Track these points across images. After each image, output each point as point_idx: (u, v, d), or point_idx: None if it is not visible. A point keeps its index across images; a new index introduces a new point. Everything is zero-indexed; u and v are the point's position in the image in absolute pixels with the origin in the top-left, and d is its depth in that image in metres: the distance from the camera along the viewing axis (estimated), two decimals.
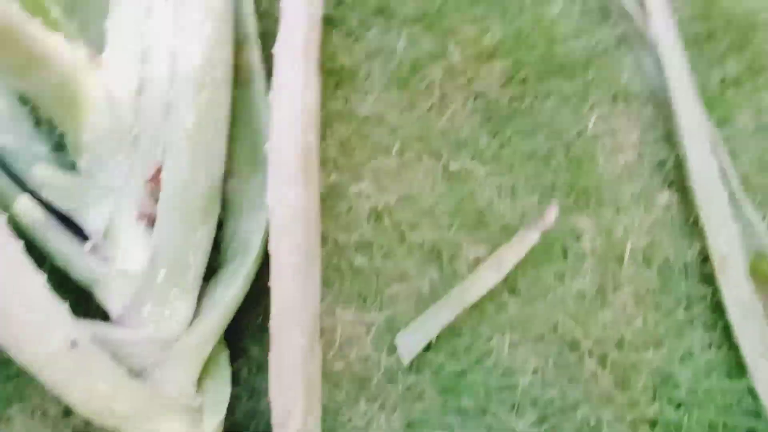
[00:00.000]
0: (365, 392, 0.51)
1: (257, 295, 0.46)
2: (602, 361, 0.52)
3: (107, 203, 0.43)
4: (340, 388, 0.50)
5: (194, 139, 0.41)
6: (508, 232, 0.54)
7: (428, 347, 0.52)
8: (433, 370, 0.52)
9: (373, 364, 0.51)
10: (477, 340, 0.53)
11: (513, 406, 0.51)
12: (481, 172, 0.55)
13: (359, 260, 0.53)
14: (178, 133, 0.41)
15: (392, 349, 0.52)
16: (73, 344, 0.37)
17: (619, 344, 0.52)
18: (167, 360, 0.41)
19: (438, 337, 0.52)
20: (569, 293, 0.53)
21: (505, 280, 0.53)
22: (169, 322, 0.42)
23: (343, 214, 0.53)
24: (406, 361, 0.52)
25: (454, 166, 0.55)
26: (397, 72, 0.55)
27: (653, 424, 0.50)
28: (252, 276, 0.45)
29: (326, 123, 0.53)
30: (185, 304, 0.43)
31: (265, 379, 0.47)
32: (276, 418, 0.42)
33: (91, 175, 0.44)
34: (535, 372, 0.52)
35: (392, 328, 0.52)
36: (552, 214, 0.52)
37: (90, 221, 0.44)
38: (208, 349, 0.43)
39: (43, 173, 0.45)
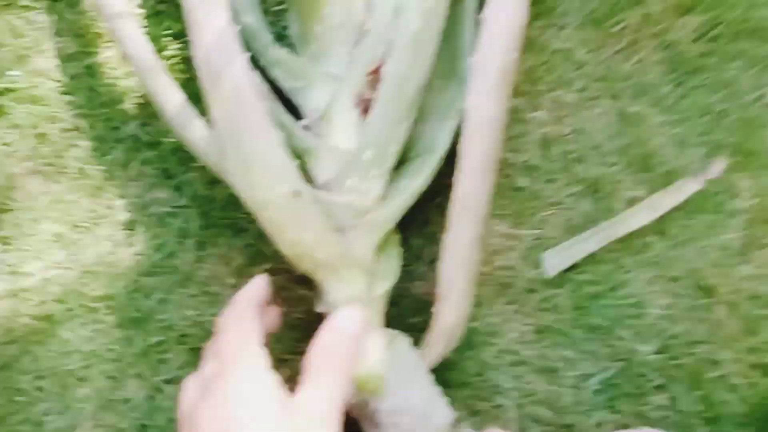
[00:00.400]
0: (505, 296, 0.57)
1: (425, 194, 0.52)
2: (733, 309, 0.55)
3: (327, 88, 0.50)
4: (484, 286, 0.57)
5: (416, 42, 0.47)
6: (670, 179, 0.57)
7: (570, 268, 0.57)
8: (571, 288, 0.57)
9: (517, 273, 0.57)
10: (617, 270, 0.57)
11: (638, 333, 0.56)
12: (656, 119, 0.58)
13: (522, 181, 0.58)
14: (404, 34, 0.47)
15: (536, 265, 0.57)
16: (296, 195, 0.44)
17: (753, 298, 0.55)
18: (358, 227, 0.48)
19: (581, 261, 0.57)
20: (714, 244, 0.57)
21: (656, 221, 0.56)
22: (365, 196, 0.49)
23: (516, 137, 0.58)
24: (549, 274, 0.57)
25: (631, 110, 0.58)
26: (594, 12, 0.59)
27: None
28: (434, 173, 0.51)
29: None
30: (378, 185, 0.50)
31: (420, 266, 0.55)
32: (440, 289, 0.49)
33: (316, 62, 0.51)
34: (665, 308, 0.57)
35: (539, 246, 0.57)
36: (718, 167, 0.54)
37: (310, 102, 0.51)
38: (389, 226, 0.50)
39: (278, 53, 0.52)
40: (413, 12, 0.47)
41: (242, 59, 0.44)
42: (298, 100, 0.53)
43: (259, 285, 0.45)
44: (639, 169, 0.58)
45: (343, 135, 0.50)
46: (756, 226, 0.56)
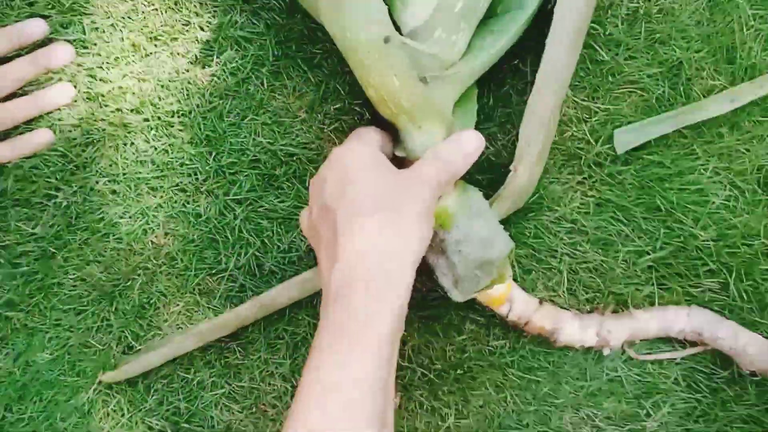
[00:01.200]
0: (571, 166, 0.57)
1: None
2: None
3: None
4: (552, 153, 0.57)
5: None
6: (751, 73, 0.56)
7: (639, 147, 0.57)
8: (637, 167, 0.57)
9: (586, 145, 0.57)
10: (686, 156, 0.57)
11: (697, 219, 0.57)
12: (747, 11, 0.57)
13: (603, 55, 0.57)
14: None
15: (606, 141, 0.57)
16: (386, 39, 0.44)
17: None
18: (441, 78, 0.48)
19: (652, 142, 0.57)
20: None
21: (731, 113, 0.56)
22: (452, 48, 0.48)
23: (603, 9, 0.56)
24: (618, 151, 0.57)
25: None
26: None
27: None
28: (521, 32, 0.51)
29: None
30: (464, 39, 0.49)
31: (492, 126, 0.56)
32: (519, 148, 0.50)
33: None
34: (726, 199, 0.57)
35: (611, 122, 0.57)
36: None
37: None
38: (471, 81, 0.50)
39: None
40: None
41: None
42: None
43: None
44: (722, 60, 0.57)
45: None
46: None
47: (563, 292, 0.58)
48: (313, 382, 0.40)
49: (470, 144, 0.47)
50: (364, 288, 0.41)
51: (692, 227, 0.57)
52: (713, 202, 0.56)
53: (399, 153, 0.50)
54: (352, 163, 0.46)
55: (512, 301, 0.53)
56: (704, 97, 0.56)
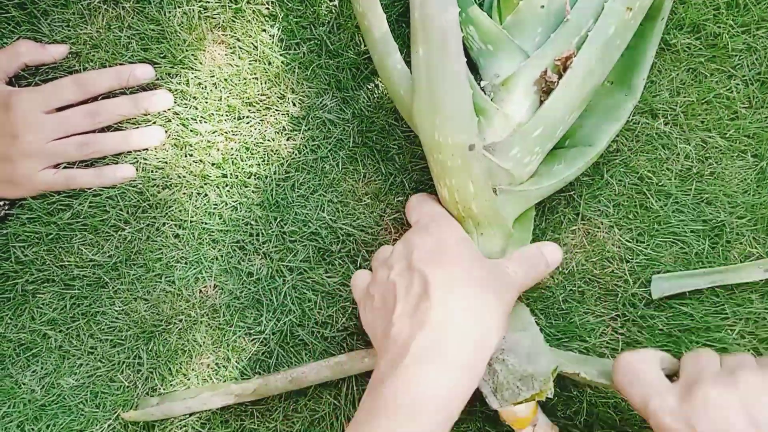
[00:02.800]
0: (606, 300, 0.60)
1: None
2: None
3: (515, 60, 0.53)
4: (591, 285, 0.60)
5: (608, 46, 0.50)
6: None
7: (673, 296, 0.59)
8: (668, 315, 0.59)
9: (623, 284, 0.60)
10: (716, 314, 0.59)
11: None
12: None
13: (652, 203, 0.60)
14: (600, 35, 0.50)
15: (643, 284, 0.60)
16: (471, 147, 0.47)
17: None
18: (509, 194, 0.51)
19: (686, 293, 0.60)
20: None
21: (764, 281, 0.59)
22: (524, 168, 0.52)
23: (659, 160, 0.60)
24: (654, 296, 0.60)
25: None
26: (764, 75, 0.62)
27: None
28: (588, 166, 0.54)
29: None
30: (536, 161, 0.53)
31: None
32: None
33: (510, 34, 0.54)
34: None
35: (650, 267, 0.60)
36: None
37: (494, 67, 0.54)
38: (534, 201, 0.54)
39: (478, 14, 0.54)
40: (612, 18, 0.50)
41: (455, 10, 0.46)
42: (483, 62, 0.55)
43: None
44: (762, 230, 0.60)
45: (518, 107, 0.52)
46: None
47: (579, 422, 0.59)
48: None
49: (553, 255, 0.50)
50: (449, 365, 0.40)
51: None
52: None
53: None
54: (450, 236, 0.47)
55: (535, 425, 0.54)
56: (741, 261, 0.60)
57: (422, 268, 0.43)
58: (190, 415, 0.58)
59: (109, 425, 0.58)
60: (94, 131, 0.58)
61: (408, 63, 0.50)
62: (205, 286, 0.58)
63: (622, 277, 0.60)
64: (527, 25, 0.53)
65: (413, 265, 0.44)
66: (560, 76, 0.51)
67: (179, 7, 0.58)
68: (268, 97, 0.59)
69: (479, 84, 0.53)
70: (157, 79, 0.59)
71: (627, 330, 0.59)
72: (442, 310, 0.41)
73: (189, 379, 0.59)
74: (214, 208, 0.58)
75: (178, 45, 0.58)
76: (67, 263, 0.59)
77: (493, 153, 0.51)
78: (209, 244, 0.58)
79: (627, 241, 0.60)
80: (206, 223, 0.58)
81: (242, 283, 0.58)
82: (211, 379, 0.59)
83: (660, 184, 0.60)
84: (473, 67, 0.55)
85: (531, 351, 0.50)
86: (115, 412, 0.59)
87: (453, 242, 0.46)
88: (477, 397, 0.51)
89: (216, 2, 0.59)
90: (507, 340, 0.50)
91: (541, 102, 0.52)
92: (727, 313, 0.59)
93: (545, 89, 0.52)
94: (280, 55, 0.59)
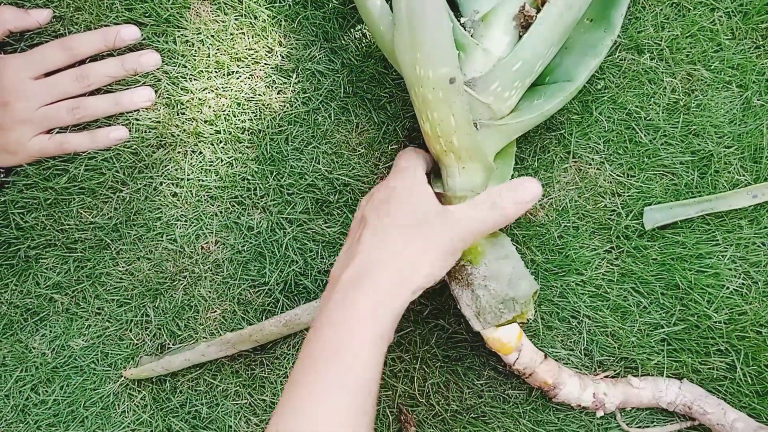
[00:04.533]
0: (601, 234, 0.61)
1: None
2: None
3: None
4: (585, 220, 0.61)
5: None
6: None
7: (665, 226, 0.61)
8: (661, 245, 0.61)
9: (617, 217, 0.61)
10: (707, 241, 0.61)
11: (711, 302, 0.60)
12: None
13: (641, 137, 0.61)
14: None
15: (635, 216, 0.61)
16: (452, 81, 0.47)
17: None
18: (490, 128, 0.52)
19: (678, 223, 0.61)
20: None
21: (752, 208, 0.60)
22: (504, 102, 0.52)
23: (646, 95, 0.61)
24: (647, 227, 0.61)
25: (756, 102, 0.61)
26: (747, 5, 0.61)
27: None
28: (566, 102, 0.55)
29: None
30: (516, 96, 0.53)
31: None
32: None
33: None
34: (740, 286, 0.61)
35: (642, 199, 0.61)
36: None
37: (473, 3, 0.54)
38: (515, 135, 0.54)
39: None
40: None
41: None
42: (463, 1, 0.55)
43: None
44: (749, 158, 0.61)
45: (497, 42, 0.53)
46: None
47: (580, 351, 0.60)
48: (305, 374, 0.43)
49: (529, 192, 0.48)
50: (375, 283, 0.44)
51: (706, 308, 0.60)
52: (727, 288, 0.60)
53: (437, 189, 0.53)
54: (401, 182, 0.49)
55: (520, 351, 0.56)
56: (729, 189, 0.61)
57: (366, 214, 0.48)
58: (203, 366, 0.59)
59: (121, 382, 0.60)
60: (84, 95, 0.57)
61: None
62: (206, 243, 0.59)
63: (614, 210, 0.61)
64: None
65: (363, 214, 0.48)
66: (538, 11, 0.51)
67: None
68: (256, 52, 0.59)
69: (459, 20, 0.53)
70: (144, 39, 0.59)
71: (621, 261, 0.61)
72: (366, 247, 0.45)
73: (197, 333, 0.60)
74: (210, 165, 0.59)
75: (163, 3, 0.58)
76: (67, 227, 0.59)
77: (473, 88, 0.51)
78: (208, 201, 0.59)
79: (618, 175, 0.61)
80: (203, 180, 0.59)
81: (243, 238, 0.59)
82: (218, 331, 0.60)
83: (648, 118, 0.61)
84: (453, 4, 0.55)
85: (512, 277, 0.51)
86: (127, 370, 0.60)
87: (400, 189, 0.48)
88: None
89: None
90: (489, 268, 0.51)
91: (521, 37, 0.52)
92: (718, 240, 0.61)
93: (524, 24, 0.52)
94: (266, 8, 0.59)
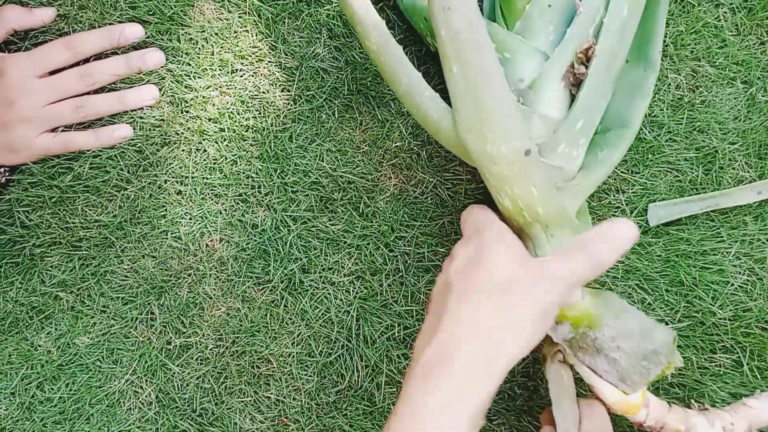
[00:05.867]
0: None
1: None
2: None
3: (535, 61, 0.53)
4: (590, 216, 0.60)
5: (624, 27, 0.50)
6: None
7: (669, 223, 0.61)
8: (666, 242, 0.61)
9: (621, 214, 0.61)
10: (711, 238, 0.61)
11: (716, 298, 0.60)
12: None
13: (646, 134, 0.61)
14: (614, 19, 0.50)
15: (639, 213, 0.61)
16: (527, 153, 0.46)
17: None
18: (565, 189, 0.51)
19: (682, 219, 0.61)
20: None
21: (757, 205, 0.60)
22: (573, 162, 0.52)
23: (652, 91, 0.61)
24: (651, 223, 0.61)
25: (761, 98, 0.61)
26: (752, 1, 0.62)
27: None
28: (629, 146, 0.54)
29: None
30: (582, 153, 0.52)
31: None
32: None
33: (524, 37, 0.53)
34: (744, 283, 0.61)
35: (646, 196, 0.61)
36: None
37: (515, 73, 0.53)
38: (591, 191, 0.54)
39: (488, 26, 0.52)
40: (623, 1, 0.50)
41: (481, 20, 0.45)
42: (504, 70, 0.53)
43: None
44: (753, 154, 0.61)
45: (552, 105, 0.52)
46: None
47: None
48: None
49: (624, 235, 0.43)
50: (459, 366, 0.39)
51: (711, 304, 0.60)
52: (732, 284, 0.60)
53: None
54: (485, 239, 0.45)
55: (648, 406, 0.53)
56: (734, 185, 0.61)
57: (451, 279, 0.43)
58: (208, 363, 0.59)
59: (126, 380, 0.60)
60: (88, 93, 0.57)
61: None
62: (211, 240, 0.59)
63: (619, 207, 0.61)
64: (539, 26, 0.53)
65: (448, 278, 0.44)
66: (586, 66, 0.51)
67: None
68: (260, 49, 0.59)
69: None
70: (148, 38, 0.59)
71: (626, 258, 0.61)
72: (449, 320, 0.41)
73: (202, 330, 0.60)
74: (215, 163, 0.59)
75: (167, 1, 0.58)
76: (72, 225, 0.59)
77: (541, 154, 0.50)
78: (212, 199, 0.59)
79: (622, 172, 0.61)
80: (207, 178, 0.59)
81: (248, 235, 0.59)
82: (223, 329, 0.60)
83: (652, 114, 0.61)
84: None
85: (642, 329, 0.48)
86: (132, 368, 0.60)
87: (487, 246, 0.44)
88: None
89: None
90: (613, 327, 0.48)
91: (572, 95, 0.52)
92: (722, 237, 0.61)
93: (573, 82, 0.52)
94: (270, 6, 0.59)
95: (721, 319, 0.60)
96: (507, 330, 0.40)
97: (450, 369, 0.39)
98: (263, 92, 0.59)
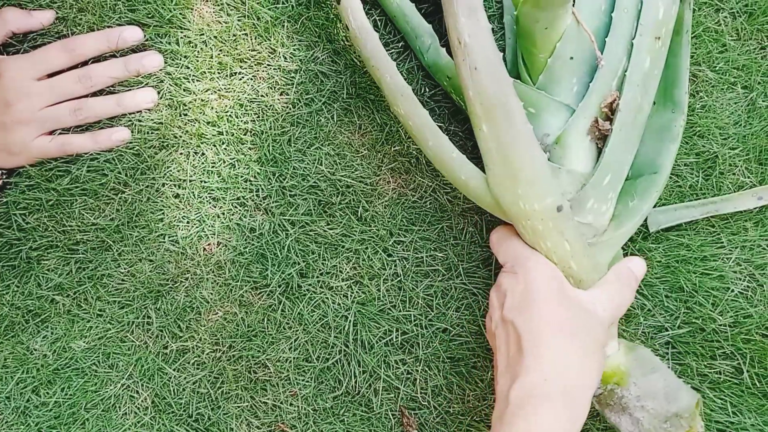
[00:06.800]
0: None
1: None
2: None
3: (560, 116, 0.53)
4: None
5: (647, 78, 0.50)
6: None
7: (669, 229, 0.60)
8: (666, 247, 0.60)
9: None
10: (711, 243, 0.61)
11: (716, 305, 0.60)
12: None
13: None
14: (637, 72, 0.50)
15: None
16: (559, 209, 0.47)
17: None
18: (596, 245, 0.51)
19: (682, 225, 0.61)
20: None
21: (758, 210, 0.60)
22: (603, 216, 0.52)
23: None
24: (651, 229, 0.61)
25: (761, 103, 0.61)
26: (752, 6, 0.61)
27: None
28: (660, 193, 0.55)
29: None
30: (612, 206, 0.53)
31: None
32: None
33: (547, 92, 0.53)
34: (745, 289, 0.60)
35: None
36: None
37: (542, 128, 0.53)
38: (622, 243, 0.54)
39: (514, 84, 0.52)
40: (645, 53, 0.50)
41: (508, 78, 0.46)
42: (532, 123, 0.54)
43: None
44: (754, 160, 0.61)
45: (578, 160, 0.52)
46: None
47: None
48: None
49: (640, 270, 0.52)
50: (549, 408, 0.43)
51: (711, 311, 0.60)
52: (732, 290, 0.60)
53: None
54: (537, 279, 0.48)
55: None
56: (734, 191, 0.61)
57: (513, 319, 0.46)
58: (205, 368, 0.59)
59: (122, 384, 0.59)
60: (86, 96, 0.57)
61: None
62: (209, 244, 0.59)
63: None
64: (562, 80, 0.53)
65: (506, 316, 0.47)
66: (610, 120, 0.51)
67: None
68: (259, 53, 0.59)
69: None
70: (146, 41, 0.58)
71: None
72: (533, 360, 0.44)
73: (199, 335, 0.59)
74: (213, 167, 0.59)
75: (165, 4, 0.58)
76: (69, 228, 0.59)
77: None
78: (210, 203, 0.59)
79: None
80: (205, 182, 0.59)
81: (245, 239, 0.59)
82: (220, 333, 0.59)
83: None
84: None
85: (668, 390, 0.49)
86: (128, 372, 0.60)
87: (540, 285, 0.47)
88: None
89: None
90: (640, 386, 0.49)
91: (599, 148, 0.52)
92: (722, 242, 0.61)
93: (599, 136, 0.52)
94: (269, 9, 0.59)
95: (721, 325, 0.59)
96: (582, 371, 0.45)
97: (545, 412, 0.43)
98: (262, 96, 0.59)
